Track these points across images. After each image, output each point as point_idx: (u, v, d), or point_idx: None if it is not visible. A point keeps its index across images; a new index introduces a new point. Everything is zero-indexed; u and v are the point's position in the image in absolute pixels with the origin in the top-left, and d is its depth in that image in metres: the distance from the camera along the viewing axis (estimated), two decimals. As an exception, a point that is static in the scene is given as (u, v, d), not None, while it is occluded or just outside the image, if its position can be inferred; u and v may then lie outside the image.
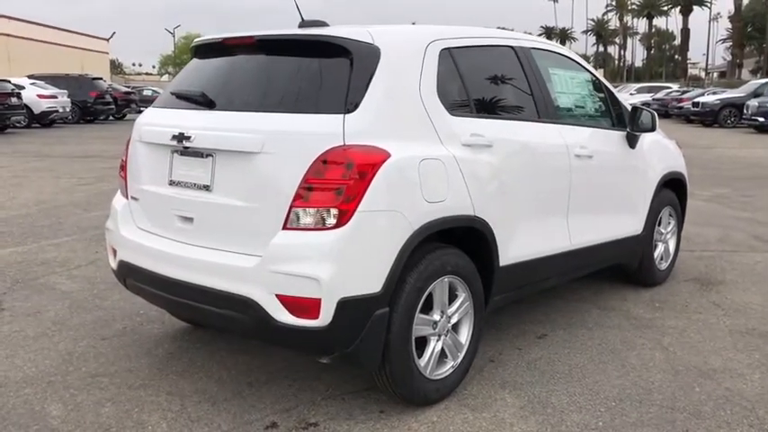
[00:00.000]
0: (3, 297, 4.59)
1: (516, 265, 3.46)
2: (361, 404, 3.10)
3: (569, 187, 3.85)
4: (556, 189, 3.80)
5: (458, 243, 3.15)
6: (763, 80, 27.24)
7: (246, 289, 2.73)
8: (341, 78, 2.85)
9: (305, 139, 2.73)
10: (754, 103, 22.01)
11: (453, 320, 3.16)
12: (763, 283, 5.02)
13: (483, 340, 3.50)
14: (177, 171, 3.13)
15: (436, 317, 3.06)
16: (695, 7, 78.36)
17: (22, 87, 20.90)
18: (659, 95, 32.45)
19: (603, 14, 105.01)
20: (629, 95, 32.36)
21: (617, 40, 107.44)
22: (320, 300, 2.63)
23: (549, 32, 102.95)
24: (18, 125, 20.32)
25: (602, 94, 4.48)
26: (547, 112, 3.78)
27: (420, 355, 3.01)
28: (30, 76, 24.00)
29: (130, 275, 3.31)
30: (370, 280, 2.72)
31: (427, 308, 3.01)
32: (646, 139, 4.60)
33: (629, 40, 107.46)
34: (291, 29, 3.18)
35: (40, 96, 22.00)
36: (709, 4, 79.12)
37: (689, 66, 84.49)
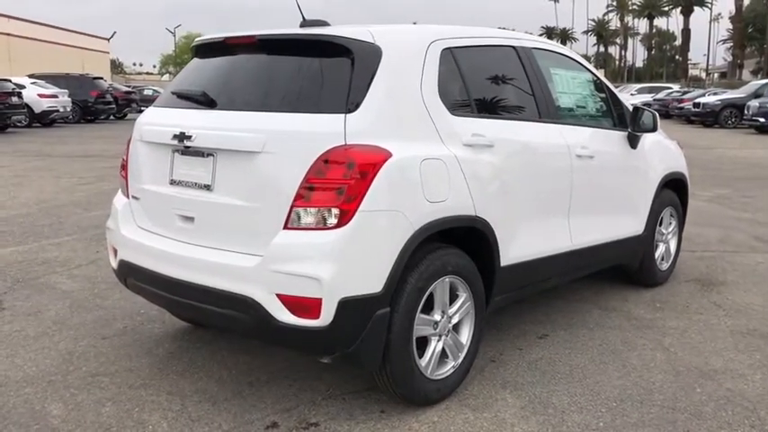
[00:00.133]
0: (3, 296, 4.59)
1: (517, 266, 3.46)
2: (361, 404, 3.09)
3: (570, 187, 3.85)
4: (557, 189, 3.80)
5: (459, 243, 3.15)
6: (764, 81, 27.22)
7: (247, 288, 2.73)
8: (342, 78, 2.85)
9: (306, 138, 2.73)
10: (754, 103, 22.01)
11: (454, 320, 3.16)
12: (763, 284, 5.02)
13: (484, 340, 3.49)
14: (178, 170, 3.12)
15: (437, 317, 3.06)
16: (696, 8, 78.39)
17: (23, 87, 20.93)
18: (660, 96, 32.44)
19: (604, 15, 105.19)
20: (629, 96, 32.33)
21: (618, 40, 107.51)
22: (321, 300, 2.63)
23: (549, 33, 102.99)
24: (19, 124, 20.34)
25: (603, 95, 4.48)
26: (548, 112, 3.77)
27: (421, 356, 3.01)
28: (30, 76, 24.03)
29: (131, 275, 3.30)
30: (371, 280, 2.71)
31: (428, 308, 3.01)
32: (647, 139, 4.59)
33: (629, 41, 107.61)
34: (293, 28, 3.18)
35: (41, 96, 22.02)
36: (709, 5, 79.17)
37: (689, 66, 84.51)
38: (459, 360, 3.19)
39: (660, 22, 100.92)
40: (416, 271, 2.88)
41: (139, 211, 3.33)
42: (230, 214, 2.89)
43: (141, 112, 3.88)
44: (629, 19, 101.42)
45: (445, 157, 3.00)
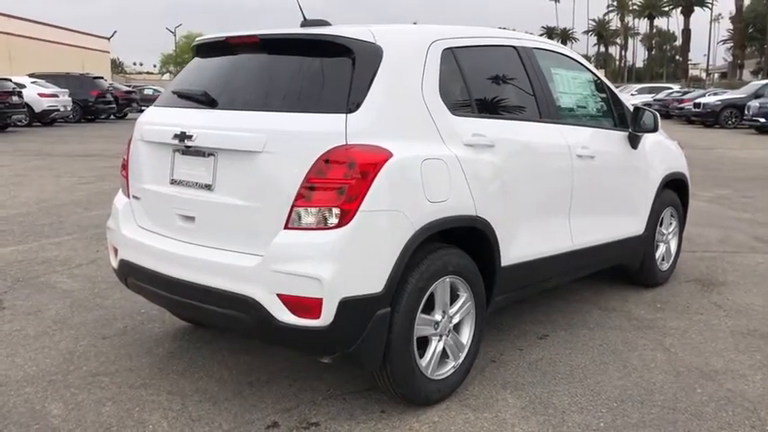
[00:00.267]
0: (3, 296, 4.59)
1: (518, 266, 3.46)
2: (362, 404, 3.09)
3: (571, 187, 3.85)
4: (558, 189, 3.79)
5: (459, 243, 3.15)
6: (764, 81, 27.23)
7: (248, 288, 2.73)
8: (343, 78, 2.85)
9: (307, 138, 2.73)
10: (755, 104, 22.02)
11: (455, 321, 3.15)
12: (764, 285, 5.02)
13: (484, 340, 3.49)
14: (179, 170, 3.12)
15: (438, 317, 3.06)
16: (696, 8, 78.35)
17: (23, 86, 20.93)
18: (660, 96, 32.44)
19: (605, 15, 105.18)
20: (629, 96, 32.32)
21: (618, 40, 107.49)
22: (322, 300, 2.63)
23: (550, 33, 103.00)
24: (19, 124, 20.34)
25: (604, 95, 4.48)
26: (549, 112, 3.77)
27: (421, 356, 3.00)
28: (31, 75, 24.04)
29: (132, 274, 3.30)
30: (372, 280, 2.71)
31: (429, 308, 3.01)
32: (648, 139, 4.59)
33: (630, 41, 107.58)
34: (293, 28, 3.18)
35: (41, 95, 22.03)
36: (710, 5, 79.15)
37: (690, 66, 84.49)
38: (460, 360, 3.19)
39: (660, 23, 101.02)
40: (417, 271, 2.87)
41: (140, 211, 3.33)
42: (231, 214, 2.89)
43: (141, 111, 3.88)
44: (629, 19, 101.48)
45: (446, 157, 3.00)
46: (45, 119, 22.28)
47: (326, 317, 2.64)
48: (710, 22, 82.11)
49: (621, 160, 4.41)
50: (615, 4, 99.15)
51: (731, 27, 72.57)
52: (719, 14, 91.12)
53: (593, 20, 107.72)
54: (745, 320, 4.25)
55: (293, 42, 3.09)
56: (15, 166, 11.81)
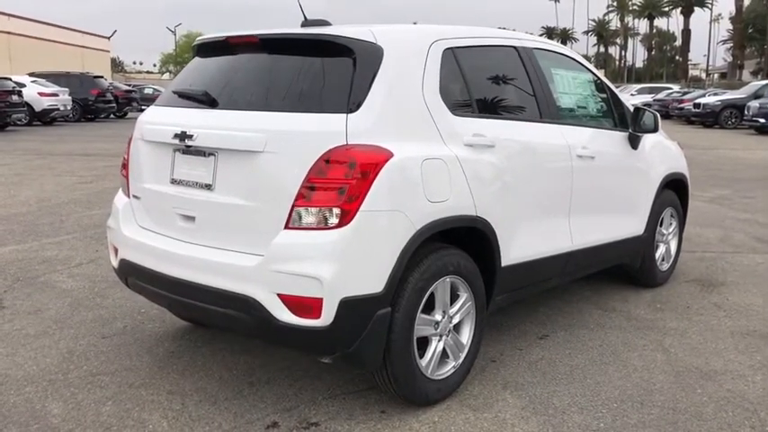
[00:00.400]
0: (3, 295, 4.59)
1: (518, 266, 3.46)
2: (362, 404, 3.09)
3: (571, 188, 3.85)
4: (558, 189, 3.79)
5: (459, 243, 3.15)
6: (764, 81, 27.24)
7: (248, 288, 2.73)
8: (344, 78, 2.85)
9: (307, 138, 2.73)
10: (754, 104, 22.03)
11: (455, 321, 3.15)
12: (764, 285, 5.02)
13: (484, 340, 3.49)
14: (179, 170, 3.12)
15: (438, 317, 3.06)
16: (696, 8, 78.36)
17: (24, 85, 20.93)
18: (660, 96, 32.45)
19: (604, 15, 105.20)
20: (629, 96, 32.32)
21: (618, 40, 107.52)
22: (322, 299, 2.63)
23: (550, 33, 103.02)
24: (19, 123, 20.33)
25: (604, 95, 4.48)
26: (549, 112, 3.77)
27: (422, 356, 3.01)
28: (31, 74, 24.03)
29: (132, 274, 3.30)
30: (372, 280, 2.71)
31: (429, 308, 3.01)
32: (648, 139, 4.59)
33: (629, 41, 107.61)
34: (294, 28, 3.18)
35: (41, 94, 22.02)
36: (710, 6, 79.17)
37: (690, 67, 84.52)
38: (460, 360, 3.19)
39: (660, 23, 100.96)
40: (417, 271, 2.87)
41: (140, 211, 3.33)
42: (231, 214, 2.89)
43: (142, 110, 3.88)
44: (629, 19, 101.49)
45: (446, 157, 3.00)
46: (45, 118, 22.27)
47: (327, 317, 2.64)
48: (710, 23, 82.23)
49: (622, 160, 4.41)
50: (615, 4, 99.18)
51: (731, 27, 72.60)
52: (719, 15, 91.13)
53: (593, 20, 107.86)
54: (745, 321, 4.25)
55: (294, 42, 3.09)
56: (15, 165, 11.80)
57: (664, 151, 4.92)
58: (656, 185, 4.72)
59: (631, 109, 4.50)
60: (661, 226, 4.91)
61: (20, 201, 8.19)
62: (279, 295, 2.68)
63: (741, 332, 4.06)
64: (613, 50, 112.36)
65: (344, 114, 2.74)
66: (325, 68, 2.93)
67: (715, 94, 27.61)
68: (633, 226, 4.56)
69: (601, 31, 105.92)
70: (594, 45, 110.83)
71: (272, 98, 2.97)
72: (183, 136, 3.01)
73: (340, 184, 2.65)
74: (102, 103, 25.47)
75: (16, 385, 3.25)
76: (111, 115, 27.37)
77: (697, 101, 26.26)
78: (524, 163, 3.51)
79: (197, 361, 3.55)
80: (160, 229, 3.20)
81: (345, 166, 2.66)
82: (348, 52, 2.89)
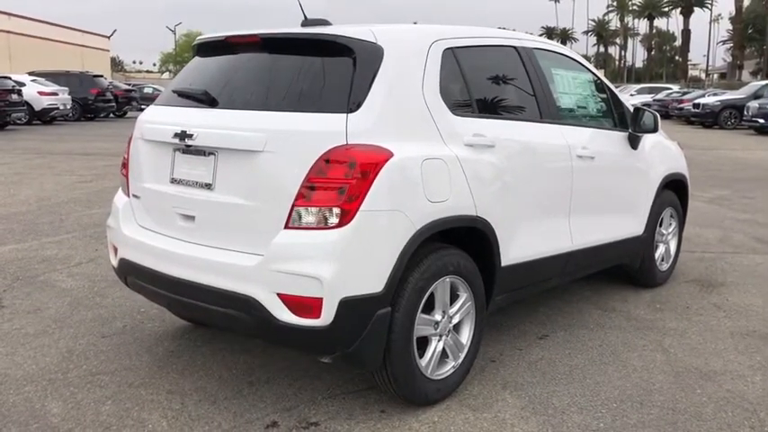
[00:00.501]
0: (3, 294, 4.59)
1: (518, 266, 3.46)
2: (361, 404, 3.09)
3: (571, 188, 3.85)
4: (557, 189, 3.79)
5: (459, 243, 3.15)
6: (764, 82, 27.25)
7: (248, 288, 2.73)
8: (344, 77, 2.85)
9: (307, 138, 2.73)
10: (754, 104, 22.03)
11: (455, 320, 3.16)
12: (763, 285, 5.02)
13: (484, 340, 3.49)
14: (179, 169, 3.12)
15: (438, 317, 3.06)
16: (696, 8, 78.37)
17: (23, 84, 20.92)
18: (660, 96, 32.45)
19: (604, 15, 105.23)
20: (629, 96, 32.32)
21: (617, 40, 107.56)
22: (322, 299, 2.63)
23: (549, 33, 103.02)
24: (18, 122, 20.33)
25: (604, 95, 4.48)
26: (549, 112, 3.77)
27: (421, 355, 3.00)
28: (30, 73, 24.02)
29: (131, 273, 3.30)
30: (372, 280, 2.71)
31: (429, 308, 3.01)
32: (648, 140, 4.59)
33: (629, 41, 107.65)
34: (294, 27, 3.18)
35: (41, 93, 22.01)
36: (709, 6, 79.16)
37: (689, 67, 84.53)
38: (460, 360, 3.19)
39: (660, 23, 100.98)
40: (417, 271, 2.87)
41: (140, 210, 3.33)
42: (231, 213, 2.89)
43: (141, 110, 3.88)
44: (629, 19, 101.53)
45: (446, 157, 3.00)
46: (45, 117, 22.26)
47: (327, 316, 2.64)
48: (710, 23, 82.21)
49: (621, 161, 4.41)
50: (615, 4, 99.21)
51: (731, 28, 72.60)
52: (719, 15, 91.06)
53: (593, 20, 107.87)
54: (744, 321, 4.26)
55: (294, 42, 3.09)
56: (15, 164, 11.80)
57: (663, 151, 4.92)
58: (656, 186, 4.72)
59: (631, 109, 4.50)
60: (661, 226, 4.91)
61: (19, 200, 8.18)
62: (279, 295, 2.68)
63: (741, 332, 4.06)
64: (613, 50, 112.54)
65: (344, 114, 2.74)
66: (326, 68, 2.93)
67: (714, 95, 27.62)
68: (633, 226, 4.56)
69: (600, 32, 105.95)
70: (594, 45, 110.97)
71: (273, 98, 2.97)
72: (183, 135, 3.01)
73: (340, 183, 2.65)
74: (101, 103, 25.46)
75: (16, 384, 3.24)
76: (111, 114, 27.36)
77: (696, 101, 26.26)
78: (524, 163, 3.51)
79: (197, 360, 3.55)
80: (160, 229, 3.20)
81: (345, 166, 2.66)
82: (348, 52, 2.88)
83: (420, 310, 2.92)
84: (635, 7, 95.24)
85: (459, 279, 3.10)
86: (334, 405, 3.08)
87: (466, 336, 3.23)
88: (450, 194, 2.98)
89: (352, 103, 2.77)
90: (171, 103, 3.34)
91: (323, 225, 2.66)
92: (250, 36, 3.15)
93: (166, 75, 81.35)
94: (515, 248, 3.43)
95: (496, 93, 3.61)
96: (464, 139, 3.13)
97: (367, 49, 2.90)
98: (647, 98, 32.11)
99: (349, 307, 2.65)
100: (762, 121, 21.33)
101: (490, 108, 3.49)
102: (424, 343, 3.03)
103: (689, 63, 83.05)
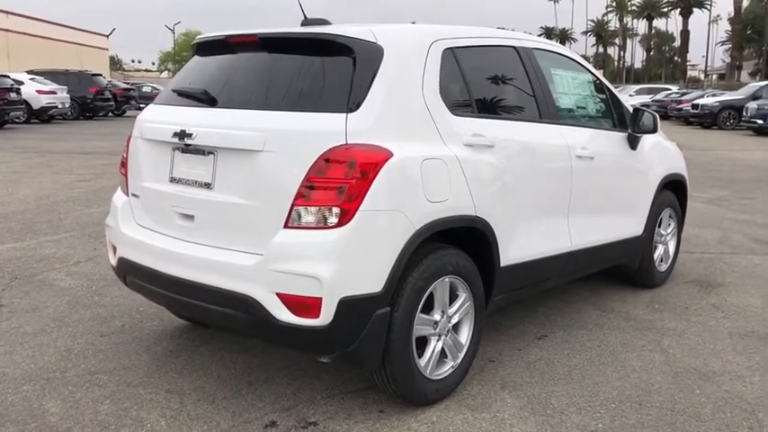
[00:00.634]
0: (1, 293, 4.58)
1: (517, 266, 3.46)
2: (360, 404, 3.09)
3: (570, 188, 3.85)
4: (557, 190, 3.80)
5: (459, 243, 3.15)
6: (763, 83, 27.27)
7: (247, 287, 2.73)
8: (343, 77, 2.85)
9: (307, 137, 2.72)
10: (753, 105, 22.06)
11: (454, 320, 3.15)
12: (762, 286, 5.03)
13: (483, 340, 3.49)
14: (178, 168, 3.12)
15: (437, 317, 3.06)
16: (695, 9, 78.40)
17: (22, 83, 20.90)
18: (658, 97, 32.48)
19: (603, 15, 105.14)
20: (628, 97, 32.34)
21: (616, 41, 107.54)
22: (321, 299, 2.63)
23: (548, 33, 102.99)
24: (17, 120, 20.31)
25: (603, 96, 4.48)
26: (548, 112, 3.77)
27: (420, 355, 3.00)
28: (29, 72, 24.00)
29: (130, 272, 3.30)
30: (372, 279, 2.71)
31: (428, 308, 3.01)
32: (647, 140, 4.59)
33: (628, 42, 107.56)
34: (294, 27, 3.18)
35: (40, 92, 21.99)
36: (708, 6, 79.16)
37: (688, 67, 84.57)
38: (459, 360, 3.19)
39: (659, 24, 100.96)
40: (416, 271, 2.87)
41: (139, 209, 3.32)
42: (230, 213, 2.88)
43: (140, 109, 3.88)
44: (628, 20, 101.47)
45: (446, 157, 2.99)
46: (43, 116, 22.23)
47: (326, 316, 2.63)
48: (709, 24, 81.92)
49: (620, 161, 4.42)
50: (614, 4, 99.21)
51: (730, 28, 72.58)
52: (718, 16, 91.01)
53: (592, 20, 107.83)
54: (743, 322, 4.26)
55: (294, 41, 3.09)
56: (13, 162, 11.78)
57: (663, 152, 4.93)
58: (655, 186, 4.72)
59: (630, 110, 4.50)
60: (660, 227, 4.91)
61: (18, 198, 8.17)
62: (278, 294, 2.68)
63: (739, 333, 4.06)
64: (612, 51, 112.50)
65: (344, 114, 2.73)
66: (325, 68, 2.93)
67: (713, 95, 27.64)
68: (632, 226, 4.56)
69: (600, 32, 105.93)
70: (593, 45, 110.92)
71: (272, 97, 2.97)
72: (182, 134, 3.00)
73: (339, 183, 2.65)
74: (100, 102, 25.44)
75: (14, 383, 3.24)
76: (110, 113, 27.35)
77: (695, 102, 26.28)
78: (524, 163, 3.51)
79: (195, 360, 3.55)
80: (159, 228, 3.19)
81: (345, 166, 2.66)
82: (348, 52, 2.88)
83: (419, 309, 2.92)
84: (634, 8, 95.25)
85: (458, 279, 3.10)
86: (332, 405, 3.07)
87: (465, 336, 3.23)
88: (449, 194, 2.98)
89: (351, 103, 2.77)
90: (170, 102, 3.34)
91: (322, 225, 2.66)
92: (250, 35, 3.15)
93: (165, 74, 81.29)
94: (515, 248, 3.43)
95: (496, 93, 3.61)
96: (463, 139, 3.13)
97: (367, 48, 2.90)
98: (646, 99, 32.12)
99: (348, 307, 2.65)
100: (760, 121, 21.35)
101: (490, 108, 3.49)
102: (423, 343, 3.03)
103: (688, 64, 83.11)
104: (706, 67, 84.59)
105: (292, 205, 2.69)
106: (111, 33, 56.35)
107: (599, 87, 4.48)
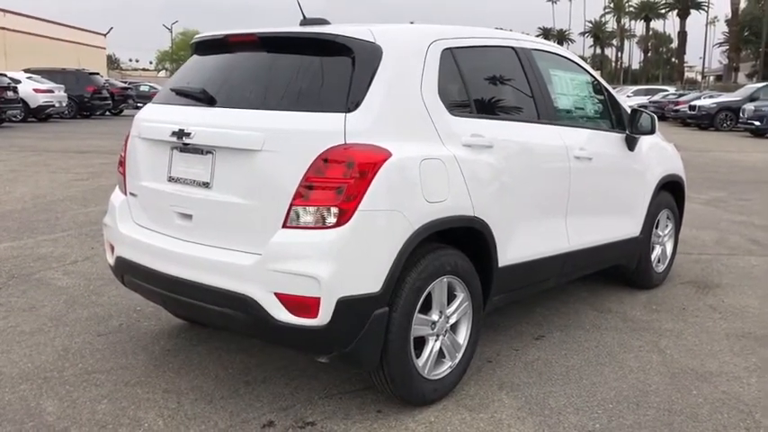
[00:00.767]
0: (-2, 292, 4.58)
1: (515, 266, 3.46)
2: (358, 404, 3.09)
3: (568, 189, 3.85)
4: (555, 190, 3.80)
5: (457, 243, 3.15)
6: (760, 84, 27.34)
7: (245, 287, 2.72)
8: (342, 77, 2.85)
9: (306, 137, 2.72)
10: (750, 106, 22.11)
11: (452, 321, 3.16)
12: (759, 287, 5.04)
13: (481, 341, 3.49)
14: (176, 168, 3.11)
15: (435, 317, 3.06)
16: (692, 11, 78.51)
17: (19, 81, 20.87)
18: (656, 98, 32.53)
19: (601, 16, 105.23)
20: (625, 98, 32.38)
21: (614, 42, 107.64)
22: (319, 299, 2.62)
23: (546, 34, 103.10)
24: (14, 119, 20.28)
25: (601, 96, 4.49)
26: (547, 113, 3.78)
27: (418, 355, 3.00)
28: (26, 71, 23.96)
29: (128, 272, 3.29)
30: (370, 279, 2.71)
31: (426, 308, 3.01)
32: (645, 141, 4.60)
33: (626, 43, 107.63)
34: (293, 27, 3.17)
35: (37, 91, 21.95)
36: (706, 8, 79.30)
37: (685, 69, 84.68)
38: (457, 360, 3.19)
39: (657, 25, 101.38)
40: (415, 271, 2.87)
41: (137, 208, 3.32)
42: (229, 212, 2.88)
43: (137, 108, 3.88)
44: (625, 21, 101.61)
45: (444, 158, 2.99)
46: (40, 114, 22.19)
47: (324, 316, 2.63)
48: (706, 25, 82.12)
49: (618, 162, 4.42)
50: (611, 5, 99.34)
51: (727, 30, 72.71)
52: (715, 17, 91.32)
53: (590, 21, 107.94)
54: (740, 323, 4.27)
55: (292, 41, 3.08)
56: (10, 161, 11.76)
57: (660, 153, 4.93)
58: (653, 187, 4.73)
59: (629, 110, 4.51)
60: (657, 228, 4.92)
61: (15, 197, 8.16)
62: (276, 294, 2.67)
63: (736, 334, 4.07)
64: (610, 52, 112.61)
65: (343, 114, 2.73)
66: (324, 67, 2.93)
67: (710, 97, 27.70)
68: (630, 227, 4.57)
69: (597, 33, 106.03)
70: (591, 46, 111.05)
71: (271, 97, 2.96)
72: (180, 134, 3.00)
73: (338, 183, 2.65)
74: (97, 100, 25.42)
75: (11, 383, 3.23)
76: (107, 112, 27.32)
77: (693, 103, 26.32)
78: (522, 164, 3.51)
79: (193, 359, 3.55)
80: (157, 227, 3.19)
81: (344, 166, 2.66)
82: (347, 51, 2.88)
83: (417, 310, 2.92)
84: (632, 9, 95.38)
85: (456, 279, 3.10)
86: (330, 405, 3.07)
87: (463, 336, 3.23)
88: (448, 195, 2.98)
89: (350, 103, 2.76)
90: (169, 101, 3.33)
91: (321, 224, 2.66)
92: (248, 35, 3.15)
93: (163, 73, 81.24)
94: (513, 249, 3.43)
95: (494, 93, 3.61)
96: (462, 139, 3.13)
97: (366, 48, 2.90)
98: (644, 100, 32.17)
99: (346, 307, 2.65)
100: (757, 123, 21.40)
101: (488, 108, 3.49)
102: (421, 343, 3.03)
103: (685, 65, 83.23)
104: (703, 68, 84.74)
105: (291, 205, 2.68)
106: (108, 32, 56.32)
107: (597, 88, 4.49)
